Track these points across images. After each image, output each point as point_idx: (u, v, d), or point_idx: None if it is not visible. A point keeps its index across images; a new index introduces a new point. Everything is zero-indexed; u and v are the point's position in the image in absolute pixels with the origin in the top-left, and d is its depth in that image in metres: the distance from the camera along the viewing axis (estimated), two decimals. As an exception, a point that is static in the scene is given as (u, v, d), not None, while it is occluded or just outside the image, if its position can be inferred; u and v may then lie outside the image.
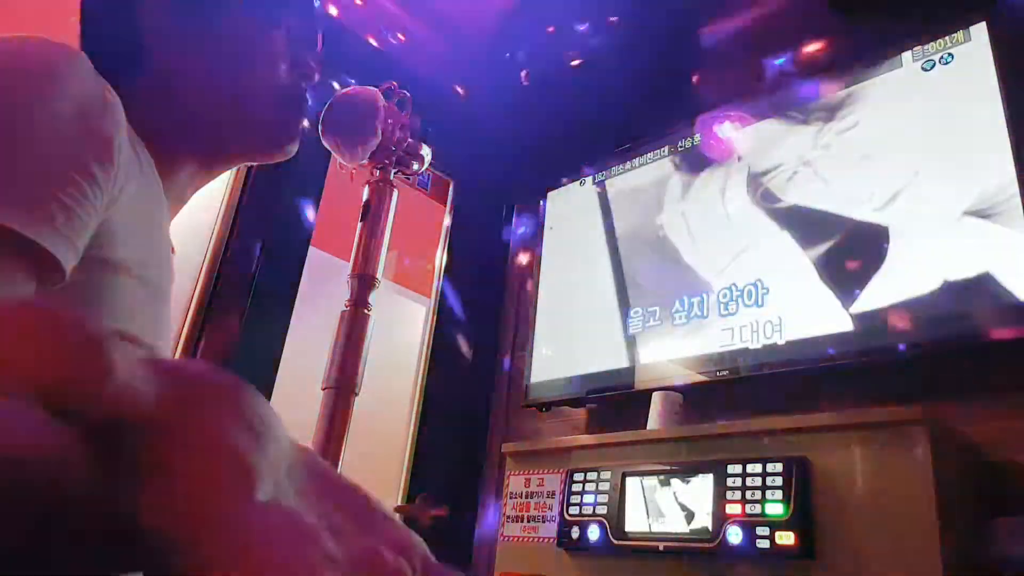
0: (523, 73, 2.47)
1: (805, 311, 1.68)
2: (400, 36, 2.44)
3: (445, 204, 2.71)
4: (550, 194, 2.52)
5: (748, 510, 1.29)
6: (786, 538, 1.22)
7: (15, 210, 0.44)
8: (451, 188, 2.72)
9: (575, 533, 1.53)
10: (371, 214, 1.31)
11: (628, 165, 2.30)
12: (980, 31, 1.62)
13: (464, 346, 2.54)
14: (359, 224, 1.32)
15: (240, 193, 2.06)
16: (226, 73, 0.67)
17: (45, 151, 0.47)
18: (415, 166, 1.37)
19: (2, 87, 0.47)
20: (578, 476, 1.59)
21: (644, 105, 2.35)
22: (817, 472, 1.26)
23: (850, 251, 1.68)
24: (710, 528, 1.33)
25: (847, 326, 1.60)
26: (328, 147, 1.25)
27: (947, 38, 1.67)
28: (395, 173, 1.35)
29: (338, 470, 1.16)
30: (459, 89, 2.62)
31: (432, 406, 2.41)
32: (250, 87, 0.68)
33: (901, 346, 1.51)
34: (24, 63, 0.49)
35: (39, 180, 0.46)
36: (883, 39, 1.83)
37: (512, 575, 1.67)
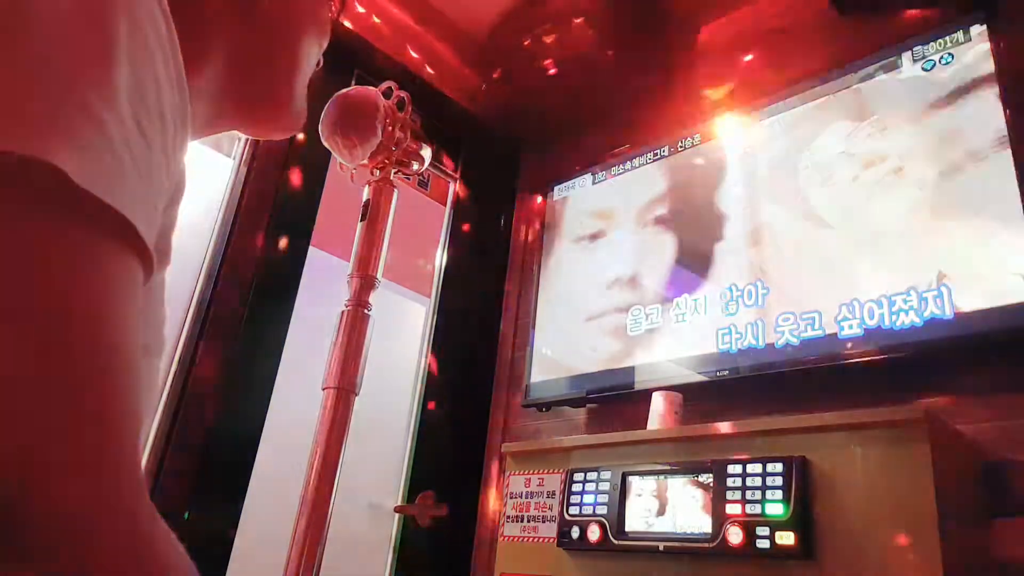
0: (523, 73, 2.46)
1: (806, 311, 1.68)
2: (399, 36, 2.44)
3: (445, 204, 2.71)
4: (550, 194, 2.52)
5: (748, 510, 1.29)
6: (786, 538, 1.22)
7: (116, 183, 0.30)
8: (451, 188, 2.72)
9: (575, 533, 1.53)
10: (371, 214, 1.31)
11: (628, 165, 2.30)
12: (980, 31, 1.62)
13: (464, 346, 2.54)
14: (359, 224, 1.32)
15: (240, 193, 2.06)
16: (284, 22, 0.57)
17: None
18: (415, 166, 1.37)
19: None
20: (578, 476, 1.59)
21: (644, 105, 2.35)
22: (817, 472, 1.26)
23: (852, 252, 1.68)
24: (710, 528, 1.33)
25: (847, 326, 1.60)
26: (328, 147, 1.25)
27: (947, 38, 1.67)
28: (395, 173, 1.35)
29: (338, 470, 1.16)
30: (459, 89, 2.62)
31: (432, 406, 2.41)
32: (296, 48, 0.58)
33: (901, 346, 1.51)
34: None
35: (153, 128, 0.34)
36: (884, 39, 1.83)
37: (512, 575, 1.66)
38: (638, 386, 1.94)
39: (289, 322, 2.05)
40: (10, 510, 0.24)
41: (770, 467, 1.30)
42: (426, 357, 2.47)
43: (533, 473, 1.72)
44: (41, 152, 0.28)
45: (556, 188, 2.51)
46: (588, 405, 2.14)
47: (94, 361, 0.28)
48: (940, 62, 1.67)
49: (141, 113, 0.33)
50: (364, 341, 1.23)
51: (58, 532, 0.25)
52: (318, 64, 0.62)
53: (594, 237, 2.31)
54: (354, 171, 1.34)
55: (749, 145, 2.00)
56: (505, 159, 2.73)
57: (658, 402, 1.70)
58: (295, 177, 2.15)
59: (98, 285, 0.29)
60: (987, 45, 1.60)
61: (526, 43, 2.36)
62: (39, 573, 0.25)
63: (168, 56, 0.37)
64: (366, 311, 1.25)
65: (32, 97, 0.29)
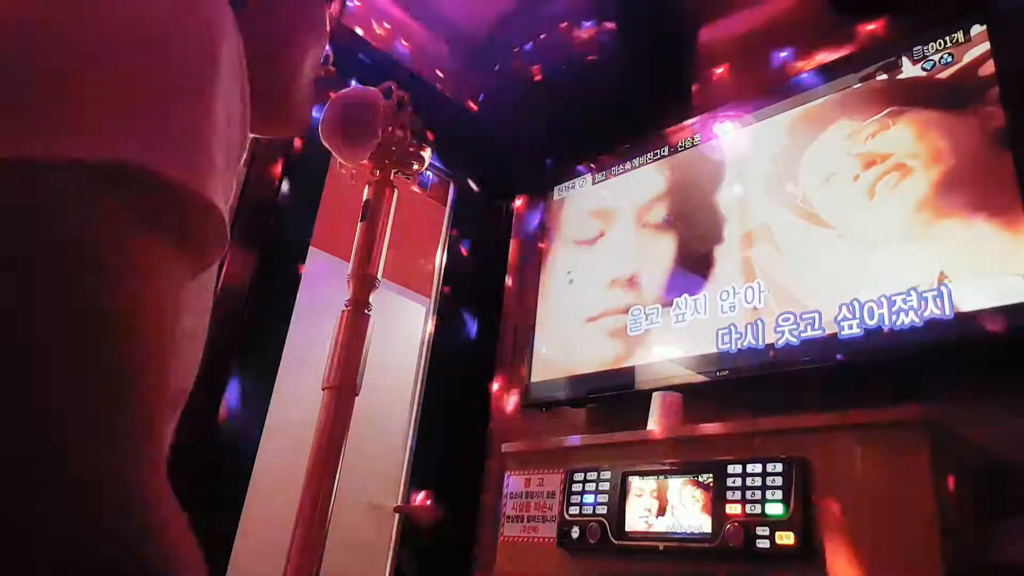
0: (523, 73, 2.46)
1: (806, 311, 1.68)
2: (400, 37, 2.44)
3: (445, 204, 2.71)
4: (550, 194, 2.52)
5: (748, 510, 1.29)
6: (786, 538, 1.22)
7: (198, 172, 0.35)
8: (451, 188, 2.72)
9: (575, 533, 1.53)
10: (371, 214, 1.31)
11: (628, 165, 2.30)
12: (980, 31, 1.62)
13: (464, 346, 2.54)
14: (359, 224, 1.32)
15: (240, 193, 2.06)
16: (287, 25, 0.59)
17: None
18: (415, 166, 1.37)
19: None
20: (578, 476, 1.59)
21: (644, 105, 2.35)
22: (817, 472, 1.26)
23: (851, 251, 1.68)
24: (710, 528, 1.33)
25: (847, 326, 1.60)
26: (328, 147, 1.25)
27: (947, 38, 1.67)
28: (395, 173, 1.35)
29: (338, 470, 1.16)
30: (459, 89, 2.62)
31: (432, 406, 2.41)
32: (295, 50, 0.60)
33: (901, 346, 1.51)
34: None
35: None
36: (884, 39, 1.83)
37: (512, 575, 1.66)
38: (638, 386, 1.94)
39: (289, 322, 2.05)
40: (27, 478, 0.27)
41: (770, 467, 1.30)
42: (426, 357, 2.47)
43: (533, 473, 1.72)
44: (157, 164, 0.32)
45: (556, 188, 2.51)
46: (588, 405, 2.14)
47: (141, 343, 0.32)
48: (940, 62, 1.67)
49: (229, 139, 0.38)
50: (364, 341, 1.23)
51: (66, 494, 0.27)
52: (327, 62, 0.65)
53: (594, 238, 2.31)
54: (354, 171, 1.34)
55: (749, 145, 2.00)
56: (504, 159, 2.73)
57: (658, 402, 1.70)
58: (295, 177, 2.14)
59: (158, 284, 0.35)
60: (987, 45, 1.60)
61: (526, 43, 2.36)
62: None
63: (245, 91, 0.42)
64: (366, 311, 1.25)
65: (155, 116, 0.33)
